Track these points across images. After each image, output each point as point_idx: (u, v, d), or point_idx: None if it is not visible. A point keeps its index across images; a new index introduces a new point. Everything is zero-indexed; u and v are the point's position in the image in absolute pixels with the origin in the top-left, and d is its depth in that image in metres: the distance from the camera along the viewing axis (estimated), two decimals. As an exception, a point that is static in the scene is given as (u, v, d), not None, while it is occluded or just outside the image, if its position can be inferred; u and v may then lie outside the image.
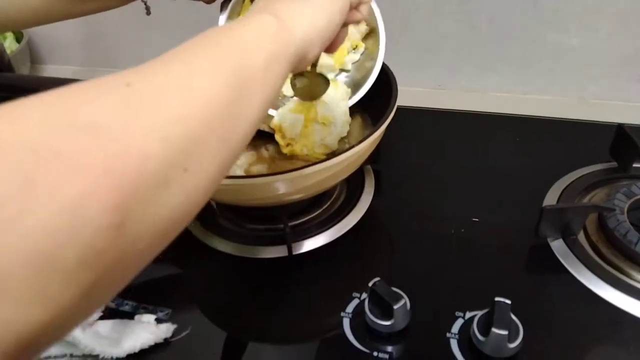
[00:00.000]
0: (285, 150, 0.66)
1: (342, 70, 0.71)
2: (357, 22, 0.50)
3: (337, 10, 0.42)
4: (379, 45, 0.67)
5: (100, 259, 0.21)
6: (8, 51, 0.97)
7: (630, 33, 0.80)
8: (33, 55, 1.09)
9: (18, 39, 1.03)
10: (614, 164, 0.71)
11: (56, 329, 0.21)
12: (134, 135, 0.23)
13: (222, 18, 0.62)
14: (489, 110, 0.85)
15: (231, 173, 0.63)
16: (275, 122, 0.65)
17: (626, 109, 0.84)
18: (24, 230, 0.19)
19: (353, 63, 0.71)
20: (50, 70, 1.10)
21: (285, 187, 0.56)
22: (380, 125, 0.58)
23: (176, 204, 0.25)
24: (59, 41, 1.08)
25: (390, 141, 0.67)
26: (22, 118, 0.21)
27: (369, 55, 0.69)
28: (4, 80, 0.70)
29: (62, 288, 0.20)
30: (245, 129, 0.31)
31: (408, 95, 0.81)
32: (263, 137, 0.67)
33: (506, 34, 0.84)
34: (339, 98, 0.65)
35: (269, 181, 0.53)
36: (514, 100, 0.88)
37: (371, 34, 0.70)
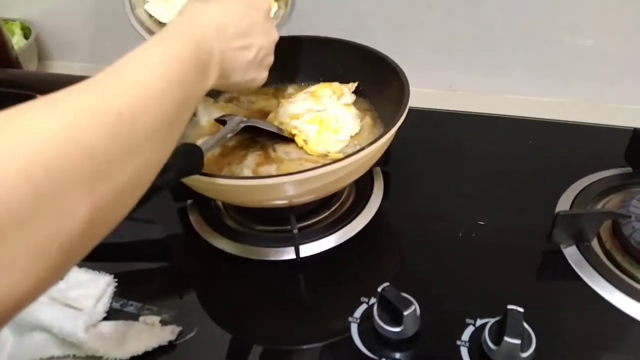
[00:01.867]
0: (302, 146, 0.66)
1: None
2: None
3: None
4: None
5: None
6: (16, 47, 0.97)
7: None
8: (40, 51, 1.08)
9: (26, 35, 1.03)
10: (629, 169, 0.69)
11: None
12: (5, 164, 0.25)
13: None
14: (502, 113, 0.83)
15: (239, 173, 0.62)
16: (292, 125, 0.65)
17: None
18: None
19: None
20: (57, 67, 1.10)
21: (294, 189, 0.55)
22: (390, 129, 0.57)
23: None
24: (67, 37, 1.07)
25: (400, 143, 0.65)
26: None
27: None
28: (11, 77, 0.70)
29: None
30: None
31: (419, 96, 0.80)
32: (271, 138, 0.66)
33: (520, 35, 0.82)
34: (352, 115, 0.67)
35: (278, 182, 0.52)
36: (528, 103, 0.86)
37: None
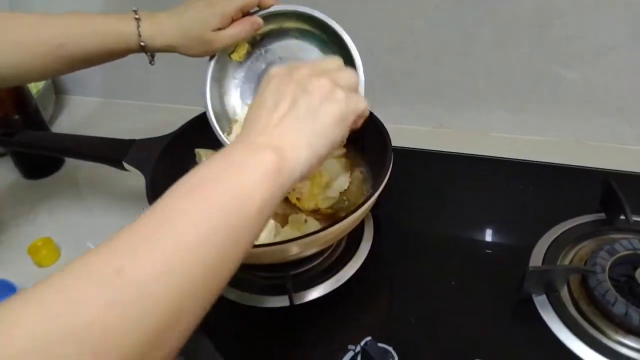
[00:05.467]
0: (295, 203, 0.72)
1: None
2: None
3: (338, 139, 0.43)
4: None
5: None
6: (35, 89, 1.03)
7: (625, 81, 0.82)
8: (57, 86, 1.15)
9: (44, 74, 1.09)
10: (603, 215, 0.74)
11: None
12: (114, 336, 0.27)
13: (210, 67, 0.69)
14: (487, 152, 0.88)
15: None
16: None
17: (621, 152, 0.86)
18: None
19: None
20: (73, 101, 1.17)
21: (288, 252, 0.61)
22: (375, 192, 0.63)
23: None
24: (82, 73, 1.13)
25: (389, 183, 0.66)
26: (17, 326, 0.26)
27: None
28: (36, 139, 0.77)
29: None
30: (230, 274, 0.36)
31: (408, 134, 0.86)
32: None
33: (504, 82, 0.87)
34: (342, 171, 0.72)
35: (274, 250, 0.59)
36: (513, 141, 0.91)
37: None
